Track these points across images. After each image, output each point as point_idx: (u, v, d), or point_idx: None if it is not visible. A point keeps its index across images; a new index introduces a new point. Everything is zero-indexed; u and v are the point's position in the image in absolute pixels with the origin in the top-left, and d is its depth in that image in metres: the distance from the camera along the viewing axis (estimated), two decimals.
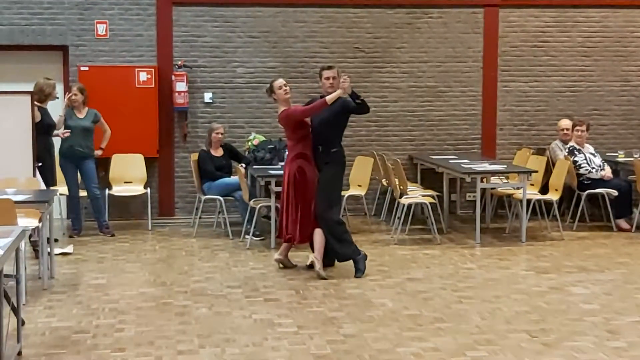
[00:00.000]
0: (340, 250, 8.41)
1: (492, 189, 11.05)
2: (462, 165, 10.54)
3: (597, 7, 12.23)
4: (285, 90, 8.41)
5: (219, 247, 9.80)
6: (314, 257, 8.26)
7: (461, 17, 12.04)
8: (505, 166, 10.72)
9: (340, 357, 5.85)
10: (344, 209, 10.83)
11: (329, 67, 8.56)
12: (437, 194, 10.71)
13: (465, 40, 12.07)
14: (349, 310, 7.08)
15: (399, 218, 10.09)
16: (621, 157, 11.47)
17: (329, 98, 8.16)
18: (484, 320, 6.78)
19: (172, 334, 6.38)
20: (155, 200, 11.49)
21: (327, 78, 8.39)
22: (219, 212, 10.72)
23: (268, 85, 8.63)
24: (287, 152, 8.64)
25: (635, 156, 11.12)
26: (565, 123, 11.54)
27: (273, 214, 9.63)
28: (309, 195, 8.33)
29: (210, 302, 7.32)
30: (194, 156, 10.82)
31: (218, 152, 10.68)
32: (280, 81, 8.49)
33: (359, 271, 8.29)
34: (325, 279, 8.10)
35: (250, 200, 9.95)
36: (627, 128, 12.43)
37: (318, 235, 8.31)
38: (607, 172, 11.06)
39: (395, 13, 11.93)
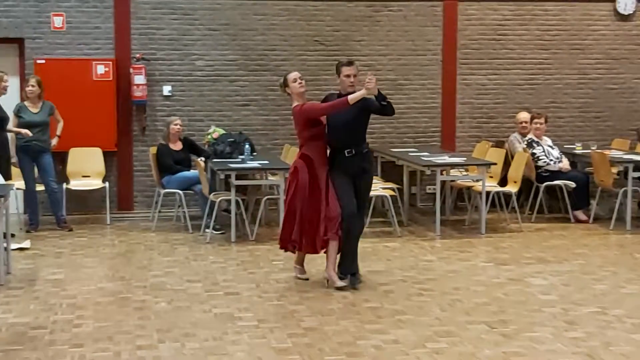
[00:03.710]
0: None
1: (451, 181, 11.11)
2: (422, 157, 10.58)
3: (555, 0, 12.34)
4: (301, 83, 7.66)
5: (178, 241, 9.74)
6: (328, 273, 7.59)
7: (421, 11, 12.07)
8: (464, 159, 10.78)
9: (300, 351, 5.83)
10: None
11: (350, 63, 7.66)
12: (398, 186, 10.73)
13: (425, 33, 12.11)
14: (310, 303, 7.07)
15: None
16: (579, 149, 11.59)
17: (352, 98, 7.34)
18: (444, 312, 6.81)
19: (131, 329, 6.32)
20: (114, 194, 11.39)
21: (348, 75, 7.56)
22: (179, 206, 10.66)
23: (281, 79, 7.89)
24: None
25: (592, 148, 11.24)
26: (524, 116, 11.64)
27: (233, 208, 9.58)
28: (300, 200, 7.56)
29: (170, 297, 7.27)
30: (153, 150, 10.73)
31: (177, 146, 10.61)
32: (295, 74, 7.74)
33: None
34: (343, 288, 7.45)
35: (210, 194, 9.89)
36: (585, 120, 12.56)
37: (332, 247, 7.57)
38: (565, 164, 11.18)
39: (355, 6, 11.93)
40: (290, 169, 7.83)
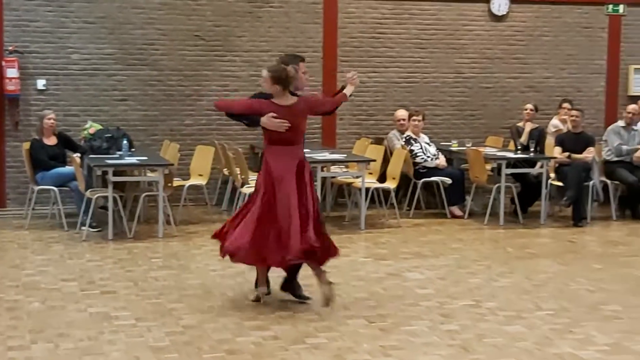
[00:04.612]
0: None
1: (332, 177, 11.19)
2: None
3: (432, 0, 12.59)
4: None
5: (53, 239, 9.47)
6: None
7: (301, 7, 12.12)
8: (344, 155, 10.88)
9: (179, 349, 5.76)
10: (185, 199, 10.71)
11: (303, 59, 7.26)
12: None
13: (306, 30, 12.16)
14: (189, 301, 6.99)
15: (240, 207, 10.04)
16: (455, 147, 11.87)
17: (348, 94, 7.17)
18: (323, 307, 6.84)
19: (2, 330, 6.11)
20: None
21: (305, 72, 7.21)
22: (54, 203, 10.37)
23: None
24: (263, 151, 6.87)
25: (467, 145, 11.53)
26: (402, 113, 11.83)
27: (111, 205, 9.38)
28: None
29: (44, 296, 7.06)
30: (26, 145, 10.40)
31: (51, 141, 10.32)
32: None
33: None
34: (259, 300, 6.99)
35: (86, 190, 9.67)
36: (460, 118, 12.88)
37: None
38: (442, 161, 11.43)
39: (236, 1, 11.87)
40: (307, 171, 6.80)
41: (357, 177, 10.53)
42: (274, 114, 6.64)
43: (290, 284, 7.09)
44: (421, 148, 11.34)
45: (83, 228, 9.66)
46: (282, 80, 6.71)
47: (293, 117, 6.70)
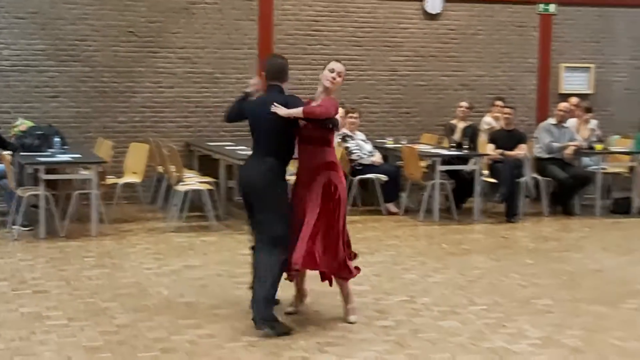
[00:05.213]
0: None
1: None
2: (239, 152, 10.56)
3: None
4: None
5: None
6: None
7: (236, 4, 12.08)
8: None
9: (112, 349, 5.69)
10: (119, 197, 10.59)
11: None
12: (214, 180, 10.68)
13: (241, 27, 12.12)
14: (123, 300, 6.91)
15: (176, 205, 9.98)
16: (390, 144, 11.95)
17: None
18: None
19: None
20: None
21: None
22: None
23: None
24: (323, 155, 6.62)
25: (402, 142, 11.62)
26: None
27: (42, 203, 9.22)
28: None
29: None
30: None
31: None
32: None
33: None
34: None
35: (17, 188, 9.48)
36: (396, 116, 12.97)
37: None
38: (377, 157, 11.50)
39: None
40: (340, 179, 6.48)
41: (293, 174, 10.49)
42: None
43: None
44: (357, 145, 11.40)
45: (14, 227, 9.47)
46: None
47: None
